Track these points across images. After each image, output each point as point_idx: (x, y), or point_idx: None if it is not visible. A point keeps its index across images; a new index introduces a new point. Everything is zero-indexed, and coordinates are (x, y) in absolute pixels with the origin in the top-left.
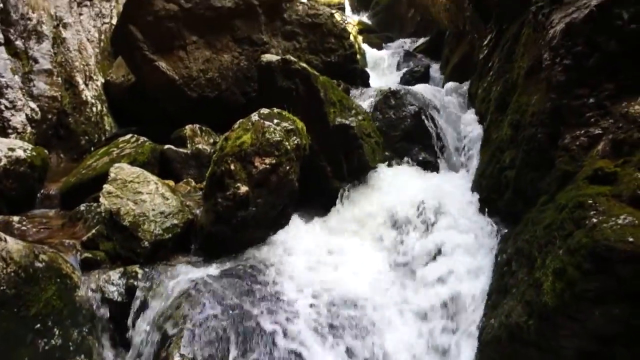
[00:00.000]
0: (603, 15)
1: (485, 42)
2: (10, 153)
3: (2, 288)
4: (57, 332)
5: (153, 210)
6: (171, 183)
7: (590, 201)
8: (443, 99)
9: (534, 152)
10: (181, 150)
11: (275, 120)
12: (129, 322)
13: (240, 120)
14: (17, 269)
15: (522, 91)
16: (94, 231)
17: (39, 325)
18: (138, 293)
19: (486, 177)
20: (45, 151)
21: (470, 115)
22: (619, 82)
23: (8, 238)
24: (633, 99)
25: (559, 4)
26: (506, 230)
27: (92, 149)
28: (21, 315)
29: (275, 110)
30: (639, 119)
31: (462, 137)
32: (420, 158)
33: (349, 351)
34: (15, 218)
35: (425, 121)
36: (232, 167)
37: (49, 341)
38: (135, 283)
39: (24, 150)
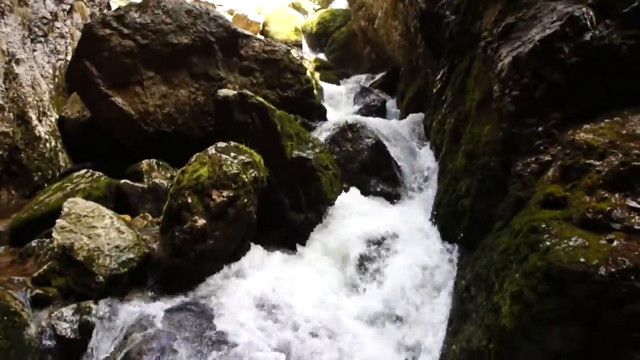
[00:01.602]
0: (546, 48)
1: (438, 77)
2: None
3: None
4: None
5: (108, 244)
6: (127, 217)
7: (543, 225)
8: (399, 131)
9: (488, 180)
10: (137, 184)
11: (232, 154)
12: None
13: (197, 154)
14: None
15: (475, 122)
16: (45, 267)
17: None
18: (92, 329)
19: (443, 205)
20: None
21: (426, 147)
22: (564, 111)
23: None
24: (578, 126)
25: (506, 39)
26: (465, 257)
27: (46, 185)
28: None
29: (232, 143)
30: (584, 146)
31: (419, 168)
32: (379, 189)
33: None
34: None
35: (383, 153)
36: (189, 200)
37: None
38: (90, 319)
39: None
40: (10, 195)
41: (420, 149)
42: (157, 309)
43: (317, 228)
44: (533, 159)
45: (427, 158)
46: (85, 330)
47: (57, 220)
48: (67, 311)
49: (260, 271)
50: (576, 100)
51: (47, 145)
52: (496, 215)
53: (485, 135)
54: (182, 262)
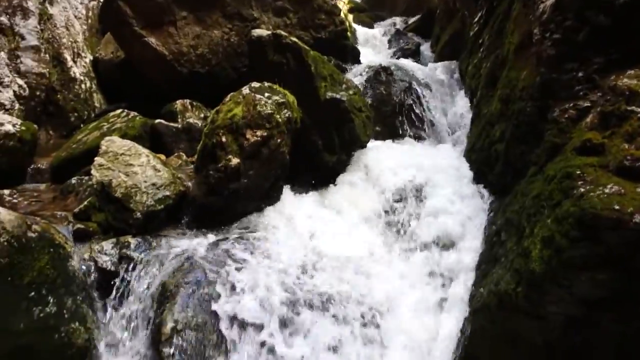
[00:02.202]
0: None
1: (476, 20)
2: None
3: None
4: (51, 300)
5: (145, 182)
6: (162, 157)
7: (579, 172)
8: (433, 75)
9: (523, 126)
10: (172, 124)
11: (267, 94)
12: (123, 290)
13: (232, 93)
14: (10, 239)
15: (512, 66)
16: (86, 203)
17: (33, 293)
18: (131, 262)
19: (476, 150)
20: (35, 126)
21: (460, 91)
22: (608, 56)
23: (0, 209)
24: (622, 72)
25: None
26: (496, 202)
27: (82, 125)
28: (15, 283)
29: (266, 84)
30: (627, 92)
31: (452, 113)
32: (411, 133)
33: (335, 316)
34: (6, 191)
35: (416, 97)
36: (224, 139)
37: (44, 309)
38: (128, 253)
39: (13, 125)
40: (49, 136)
41: (454, 93)
42: (192, 244)
43: (350, 169)
44: (571, 104)
45: (461, 103)
46: (125, 262)
47: (96, 158)
48: (107, 245)
49: (293, 210)
50: (621, 45)
51: (82, 86)
52: (530, 161)
53: (522, 80)
54: (217, 200)
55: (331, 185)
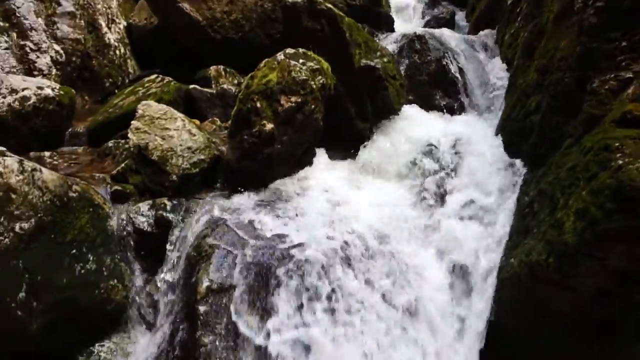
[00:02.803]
0: None
1: None
2: (39, 92)
3: (39, 215)
4: (91, 258)
5: (180, 145)
6: (196, 122)
7: (617, 144)
8: (468, 44)
9: (560, 97)
10: (206, 90)
11: (301, 60)
12: (159, 250)
13: (266, 59)
14: (53, 198)
15: (551, 36)
16: (123, 165)
17: (74, 250)
18: (167, 223)
19: (511, 121)
20: (73, 90)
21: (496, 62)
22: None
23: (43, 169)
24: None
25: None
26: (529, 174)
27: (116, 91)
28: (58, 241)
29: (301, 50)
30: None
31: (487, 83)
32: (444, 103)
33: (369, 281)
34: (47, 153)
35: (450, 66)
36: (258, 104)
37: (84, 266)
38: (164, 214)
39: (52, 89)
40: (84, 101)
41: (489, 63)
42: (226, 207)
43: (382, 136)
44: (612, 75)
45: (495, 73)
46: (161, 224)
47: (132, 122)
48: (144, 206)
49: (325, 176)
50: None
51: (117, 52)
52: (566, 133)
53: (561, 50)
54: (250, 165)
55: (363, 151)
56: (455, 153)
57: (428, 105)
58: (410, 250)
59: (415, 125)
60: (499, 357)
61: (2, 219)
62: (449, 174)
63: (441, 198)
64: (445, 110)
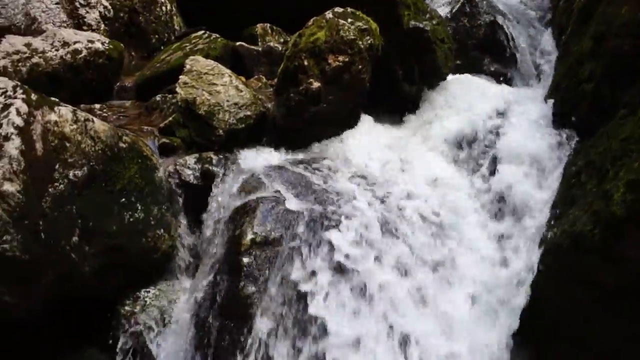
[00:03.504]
0: None
1: None
2: (90, 45)
3: (91, 164)
4: (139, 207)
5: (227, 101)
6: (243, 79)
7: None
8: (520, 9)
9: (617, 65)
10: (252, 47)
11: (350, 19)
12: (205, 203)
13: (314, 17)
14: (104, 148)
15: (611, 1)
16: (170, 119)
17: (123, 199)
18: (213, 177)
19: (561, 90)
20: (121, 45)
21: (548, 28)
22: None
23: (95, 119)
24: None
25: None
26: (577, 144)
27: (162, 47)
28: (109, 189)
29: (349, 9)
30: None
31: (538, 50)
32: (493, 68)
33: (406, 241)
34: (97, 106)
35: (500, 31)
36: (306, 62)
37: (133, 214)
38: (210, 168)
39: (102, 43)
40: (131, 57)
41: (541, 29)
42: (271, 163)
43: (429, 100)
44: None
45: (548, 39)
46: (206, 177)
47: (180, 77)
48: (190, 160)
49: (369, 139)
50: None
51: (163, 8)
52: (621, 103)
53: (621, 16)
54: (295, 123)
55: (409, 115)
56: (503, 121)
57: (476, 70)
58: (455, 217)
59: (462, 91)
60: (534, 326)
61: (57, 166)
62: (496, 142)
63: (487, 166)
64: (493, 77)
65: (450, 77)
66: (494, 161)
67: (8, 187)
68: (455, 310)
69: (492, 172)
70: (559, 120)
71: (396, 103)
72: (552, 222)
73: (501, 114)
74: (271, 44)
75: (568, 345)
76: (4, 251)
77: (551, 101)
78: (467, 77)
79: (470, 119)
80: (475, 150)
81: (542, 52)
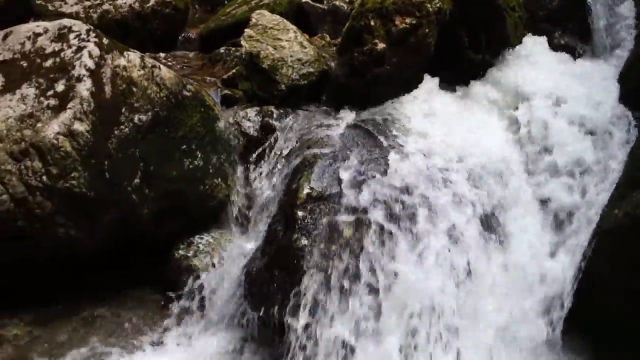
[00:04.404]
0: None
1: None
2: None
3: (156, 110)
4: (199, 155)
5: (291, 56)
6: (306, 36)
7: None
8: None
9: None
10: (318, 5)
11: None
12: (263, 155)
13: None
14: (169, 95)
15: None
16: (234, 71)
17: (184, 146)
18: (273, 130)
19: (636, 69)
20: None
21: (628, 2)
22: None
23: (162, 66)
24: None
25: None
26: None
27: (225, 1)
28: (171, 136)
29: None
30: None
31: (616, 25)
32: (564, 42)
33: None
34: (162, 55)
35: (576, 3)
36: (372, 23)
37: (192, 161)
38: (270, 121)
39: None
40: (194, 9)
41: (621, 3)
42: (330, 121)
43: (494, 70)
44: None
45: (628, 14)
46: (266, 130)
47: (246, 30)
48: (251, 112)
49: (430, 104)
50: None
51: None
52: None
53: None
54: (357, 83)
55: (473, 83)
56: (571, 98)
57: (546, 42)
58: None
59: (530, 63)
60: (584, 311)
61: (123, 110)
62: (554, 118)
63: (547, 140)
64: (564, 51)
65: (519, 47)
66: (549, 138)
67: (78, 126)
68: None
69: (550, 149)
70: (628, 99)
71: (461, 70)
72: (613, 204)
73: (567, 89)
74: (337, 2)
75: (621, 333)
76: (72, 187)
77: (624, 81)
78: (537, 49)
79: (535, 94)
80: (536, 125)
81: (619, 27)
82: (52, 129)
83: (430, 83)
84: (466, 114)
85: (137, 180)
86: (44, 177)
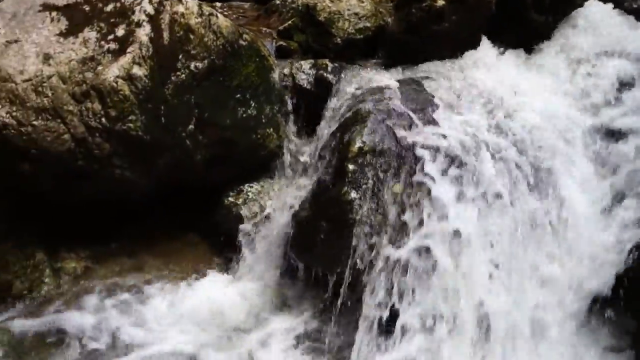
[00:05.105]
0: None
1: None
2: None
3: (212, 58)
4: (252, 104)
5: (348, 10)
6: None
7: None
8: None
9: None
10: None
11: None
12: (315, 108)
13: None
14: (225, 43)
15: None
16: (289, 22)
17: (239, 95)
18: (327, 84)
19: None
20: None
21: None
22: None
23: (219, 15)
24: None
25: None
26: None
27: None
28: (226, 84)
29: None
30: None
31: None
32: (635, 5)
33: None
34: (217, 4)
35: None
36: None
37: (246, 110)
38: (325, 74)
39: None
40: None
41: None
42: (385, 76)
43: (559, 32)
44: None
45: None
46: (320, 83)
47: None
48: (306, 65)
49: (488, 68)
50: None
51: None
52: None
53: None
54: (414, 40)
55: (535, 46)
56: (635, 65)
57: (615, 5)
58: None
59: (597, 27)
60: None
61: (180, 56)
62: (627, 90)
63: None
64: (635, 14)
65: (586, 8)
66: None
67: (137, 70)
68: None
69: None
70: None
71: (522, 32)
72: None
73: (631, 56)
74: None
75: None
76: (129, 130)
77: None
78: (606, 11)
79: (603, 59)
80: (599, 94)
81: None
82: (112, 72)
83: (488, 46)
84: (526, 77)
85: (191, 127)
86: (103, 119)
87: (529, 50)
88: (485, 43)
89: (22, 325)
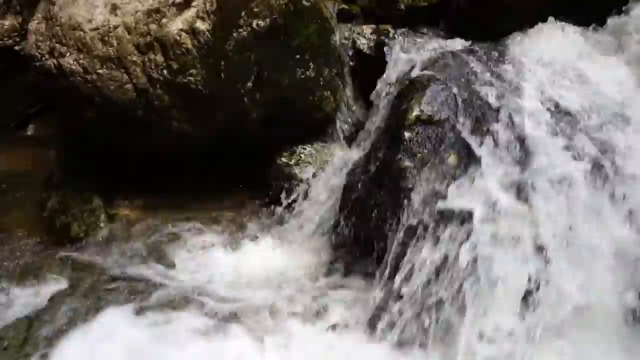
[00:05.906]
0: None
1: None
2: None
3: (274, 17)
4: (311, 66)
5: None
6: None
7: None
8: None
9: None
10: None
11: None
12: (374, 72)
13: None
14: (288, 3)
15: None
16: None
17: (298, 56)
18: (388, 50)
19: None
20: None
21: None
22: None
23: None
24: None
25: None
26: None
27: None
28: (286, 44)
29: None
30: None
31: None
32: None
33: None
34: None
35: None
36: None
37: (305, 72)
38: (386, 40)
39: None
40: None
41: None
42: (448, 47)
43: (630, 7)
44: None
45: None
46: (380, 49)
47: None
48: (367, 30)
49: (555, 41)
50: None
51: None
52: None
53: None
54: (479, 11)
55: (609, 20)
56: None
57: None
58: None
59: None
60: None
61: (243, 13)
62: None
63: None
64: None
65: None
66: None
67: (200, 24)
68: None
69: None
70: None
71: (596, 5)
72: None
73: None
74: None
75: None
76: (189, 83)
77: None
78: None
79: None
80: None
81: None
82: (175, 25)
83: (557, 22)
84: (594, 55)
85: (249, 84)
86: (165, 71)
87: (601, 24)
88: (552, 19)
89: (81, 262)
